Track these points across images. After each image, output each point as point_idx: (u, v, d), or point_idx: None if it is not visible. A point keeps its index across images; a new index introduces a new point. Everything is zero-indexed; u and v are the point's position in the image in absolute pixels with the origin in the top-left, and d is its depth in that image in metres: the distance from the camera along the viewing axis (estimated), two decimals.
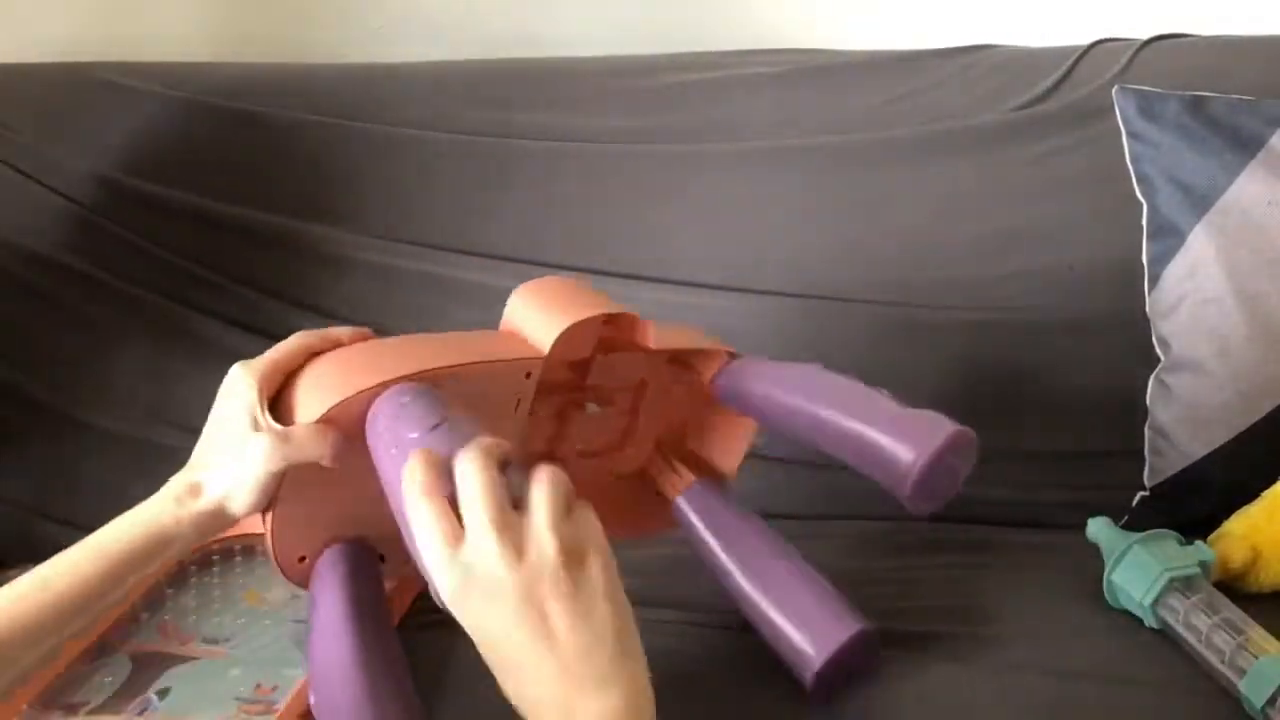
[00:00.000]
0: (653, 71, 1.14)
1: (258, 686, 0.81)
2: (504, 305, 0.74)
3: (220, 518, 0.67)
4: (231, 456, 0.66)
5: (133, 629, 0.89)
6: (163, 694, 0.81)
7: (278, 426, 0.65)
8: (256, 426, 0.65)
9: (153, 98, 1.15)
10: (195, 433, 0.69)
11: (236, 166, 1.14)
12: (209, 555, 0.98)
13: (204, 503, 0.66)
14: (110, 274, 1.11)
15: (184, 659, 0.85)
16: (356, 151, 1.13)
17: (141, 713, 0.79)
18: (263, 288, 1.11)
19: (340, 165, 1.13)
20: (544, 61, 1.17)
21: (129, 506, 0.67)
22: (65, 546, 0.64)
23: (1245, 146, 0.97)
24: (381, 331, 0.73)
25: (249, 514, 0.67)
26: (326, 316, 1.10)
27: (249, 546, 1.00)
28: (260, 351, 0.68)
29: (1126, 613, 0.88)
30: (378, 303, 1.10)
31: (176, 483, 0.67)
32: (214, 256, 1.12)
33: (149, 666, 0.84)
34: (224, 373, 0.69)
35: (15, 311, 1.12)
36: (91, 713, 0.79)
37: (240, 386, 0.67)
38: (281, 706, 0.77)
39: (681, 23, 1.23)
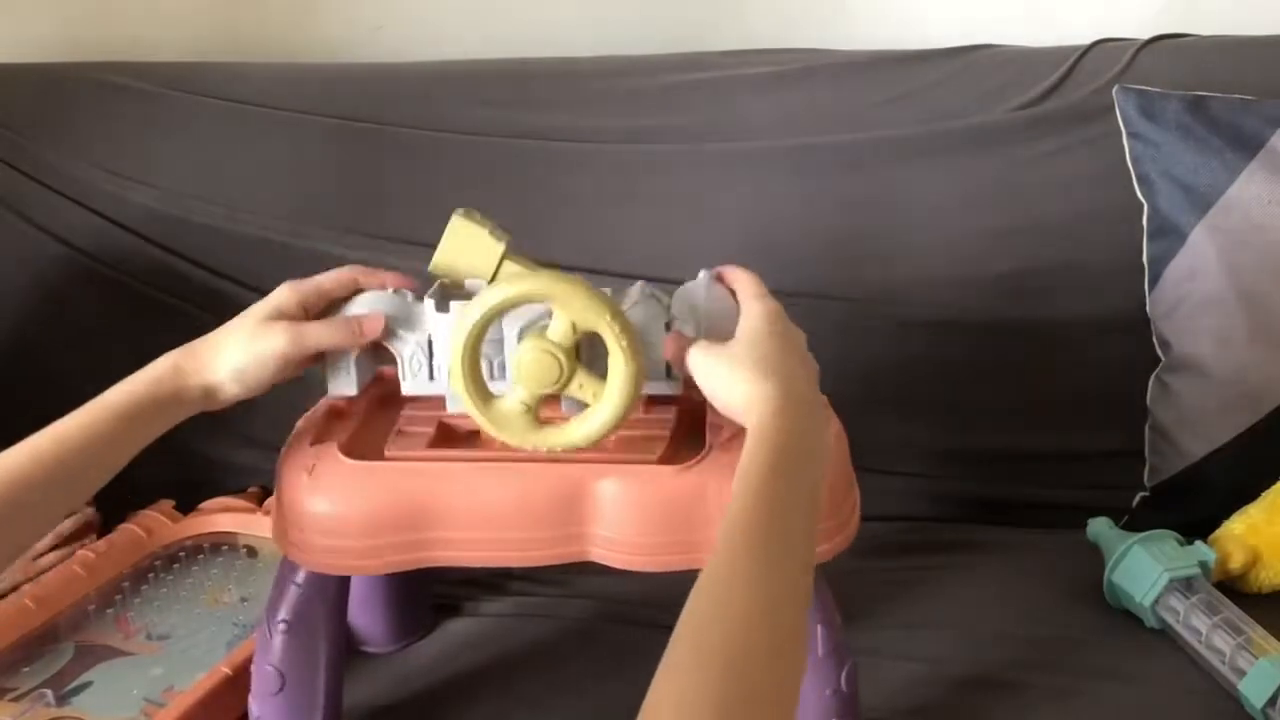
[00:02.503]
0: (653, 71, 1.14)
1: (167, 689, 0.81)
2: None
3: (212, 395, 0.69)
4: (243, 336, 0.68)
5: (82, 620, 0.90)
6: (76, 690, 0.82)
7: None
8: (276, 317, 0.69)
9: (153, 98, 1.15)
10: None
11: (235, 166, 1.14)
12: (176, 553, 0.99)
13: (199, 377, 0.68)
14: (109, 272, 1.11)
15: (122, 653, 0.86)
16: (356, 152, 1.13)
17: (30, 708, 0.80)
18: (258, 287, 1.11)
19: (339, 165, 1.13)
20: (544, 61, 1.17)
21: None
22: None
23: (1245, 146, 0.97)
24: None
25: (240, 396, 0.69)
26: None
27: (216, 545, 1.00)
28: None
29: (1126, 613, 0.88)
30: None
31: (176, 353, 0.69)
32: (212, 255, 1.12)
33: (85, 658, 0.85)
34: None
35: (14, 308, 1.12)
36: (14, 700, 0.80)
37: (277, 291, 0.71)
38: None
39: (681, 23, 1.23)
